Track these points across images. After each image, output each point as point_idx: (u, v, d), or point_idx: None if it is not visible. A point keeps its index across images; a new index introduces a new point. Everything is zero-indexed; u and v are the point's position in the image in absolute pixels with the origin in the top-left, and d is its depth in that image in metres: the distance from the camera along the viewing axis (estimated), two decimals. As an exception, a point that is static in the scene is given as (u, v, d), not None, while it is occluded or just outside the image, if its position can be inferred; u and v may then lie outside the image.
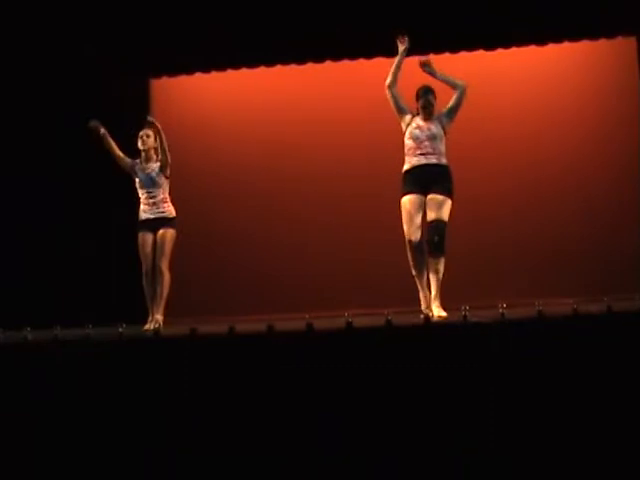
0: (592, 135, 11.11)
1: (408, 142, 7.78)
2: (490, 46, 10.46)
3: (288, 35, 10.23)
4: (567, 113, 11.20)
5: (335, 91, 11.49)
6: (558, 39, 10.34)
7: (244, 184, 11.27)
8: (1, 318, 8.95)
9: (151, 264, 8.07)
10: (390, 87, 7.82)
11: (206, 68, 10.94)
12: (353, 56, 10.60)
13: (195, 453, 6.61)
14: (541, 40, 10.35)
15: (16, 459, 6.80)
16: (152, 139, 8.09)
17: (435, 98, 7.83)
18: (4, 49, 10.61)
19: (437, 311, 7.62)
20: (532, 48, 10.57)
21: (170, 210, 8.10)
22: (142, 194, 8.21)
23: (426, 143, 7.64)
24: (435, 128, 7.71)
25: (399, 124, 8.01)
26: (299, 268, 11.31)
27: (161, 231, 8.01)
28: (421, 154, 7.65)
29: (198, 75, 11.05)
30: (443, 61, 10.68)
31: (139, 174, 8.16)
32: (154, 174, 8.10)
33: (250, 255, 10.92)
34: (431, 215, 7.52)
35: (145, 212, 8.17)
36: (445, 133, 7.78)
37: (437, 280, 7.58)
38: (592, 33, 10.26)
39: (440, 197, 7.49)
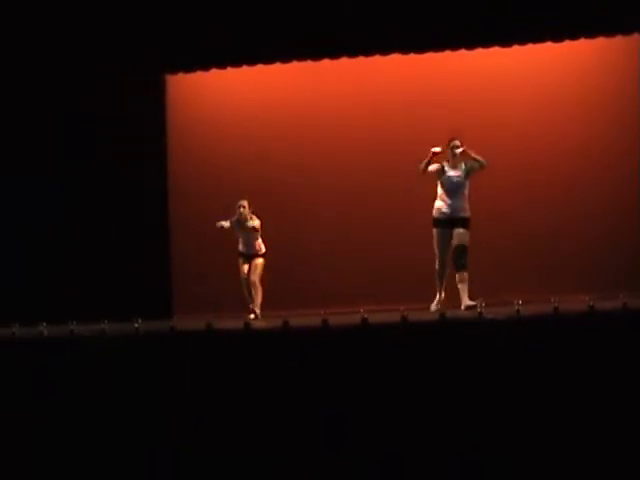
0: (601, 134, 11.03)
1: (440, 189, 9.38)
2: (505, 42, 10.41)
3: (304, 31, 10.20)
4: (576, 110, 11.13)
5: (352, 88, 11.45)
6: (573, 36, 10.26)
7: (258, 180, 11.25)
8: (17, 314, 8.99)
9: (246, 281, 10.46)
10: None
11: (222, 64, 10.92)
12: (368, 53, 10.58)
13: (211, 447, 6.63)
14: (557, 36, 10.29)
15: (29, 451, 6.85)
16: (246, 209, 10.38)
17: (462, 145, 9.29)
18: (16, 48, 10.61)
19: (466, 301, 9.01)
20: (539, 47, 10.52)
21: (260, 248, 10.48)
22: (240, 239, 10.50)
23: (456, 192, 9.28)
24: (461, 179, 9.31)
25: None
26: (313, 264, 11.30)
27: (254, 261, 10.46)
28: (450, 200, 9.29)
29: (214, 71, 11.05)
30: (450, 58, 10.78)
31: (238, 230, 10.45)
32: (249, 233, 10.43)
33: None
34: (456, 241, 9.24)
35: (242, 247, 10.51)
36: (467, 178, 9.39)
37: (465, 286, 9.14)
38: (608, 30, 10.18)
39: (462, 230, 9.28)
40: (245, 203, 10.41)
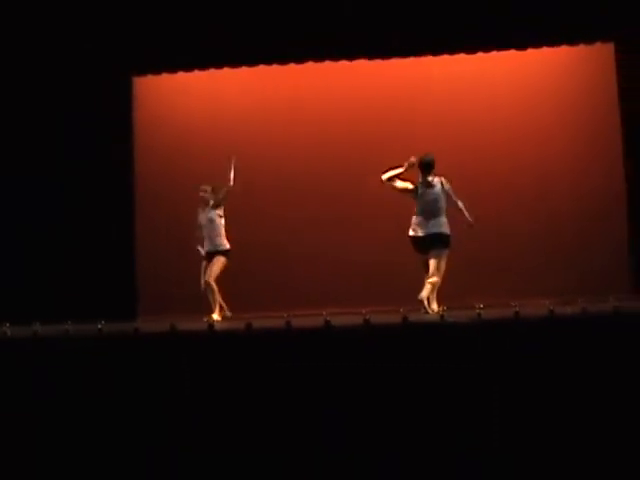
0: (574, 140, 11.17)
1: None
2: (480, 48, 10.54)
3: (271, 35, 10.25)
4: (550, 117, 11.25)
5: (327, 92, 11.50)
6: (537, 44, 10.42)
7: (225, 181, 11.23)
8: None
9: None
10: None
11: (189, 67, 10.95)
12: (341, 57, 10.64)
13: (185, 449, 6.64)
14: (522, 44, 10.43)
15: (6, 454, 6.83)
16: (208, 193, 9.97)
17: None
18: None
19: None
20: (521, 53, 10.66)
21: (222, 244, 9.91)
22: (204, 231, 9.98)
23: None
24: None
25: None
26: (286, 266, 11.32)
27: (213, 258, 9.90)
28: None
29: (181, 74, 11.07)
30: (431, 64, 10.87)
31: (201, 217, 9.98)
32: (211, 225, 9.91)
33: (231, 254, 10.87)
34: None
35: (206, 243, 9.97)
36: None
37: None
38: (571, 38, 10.35)
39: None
40: (208, 187, 9.99)
